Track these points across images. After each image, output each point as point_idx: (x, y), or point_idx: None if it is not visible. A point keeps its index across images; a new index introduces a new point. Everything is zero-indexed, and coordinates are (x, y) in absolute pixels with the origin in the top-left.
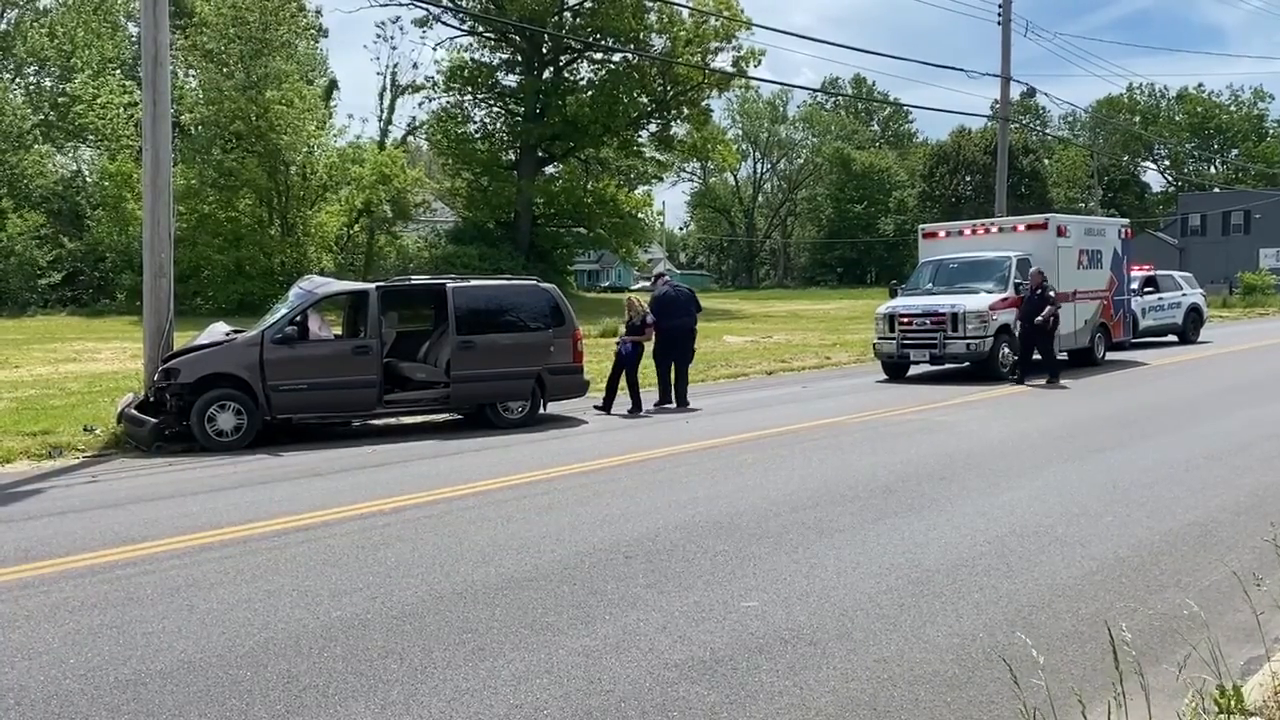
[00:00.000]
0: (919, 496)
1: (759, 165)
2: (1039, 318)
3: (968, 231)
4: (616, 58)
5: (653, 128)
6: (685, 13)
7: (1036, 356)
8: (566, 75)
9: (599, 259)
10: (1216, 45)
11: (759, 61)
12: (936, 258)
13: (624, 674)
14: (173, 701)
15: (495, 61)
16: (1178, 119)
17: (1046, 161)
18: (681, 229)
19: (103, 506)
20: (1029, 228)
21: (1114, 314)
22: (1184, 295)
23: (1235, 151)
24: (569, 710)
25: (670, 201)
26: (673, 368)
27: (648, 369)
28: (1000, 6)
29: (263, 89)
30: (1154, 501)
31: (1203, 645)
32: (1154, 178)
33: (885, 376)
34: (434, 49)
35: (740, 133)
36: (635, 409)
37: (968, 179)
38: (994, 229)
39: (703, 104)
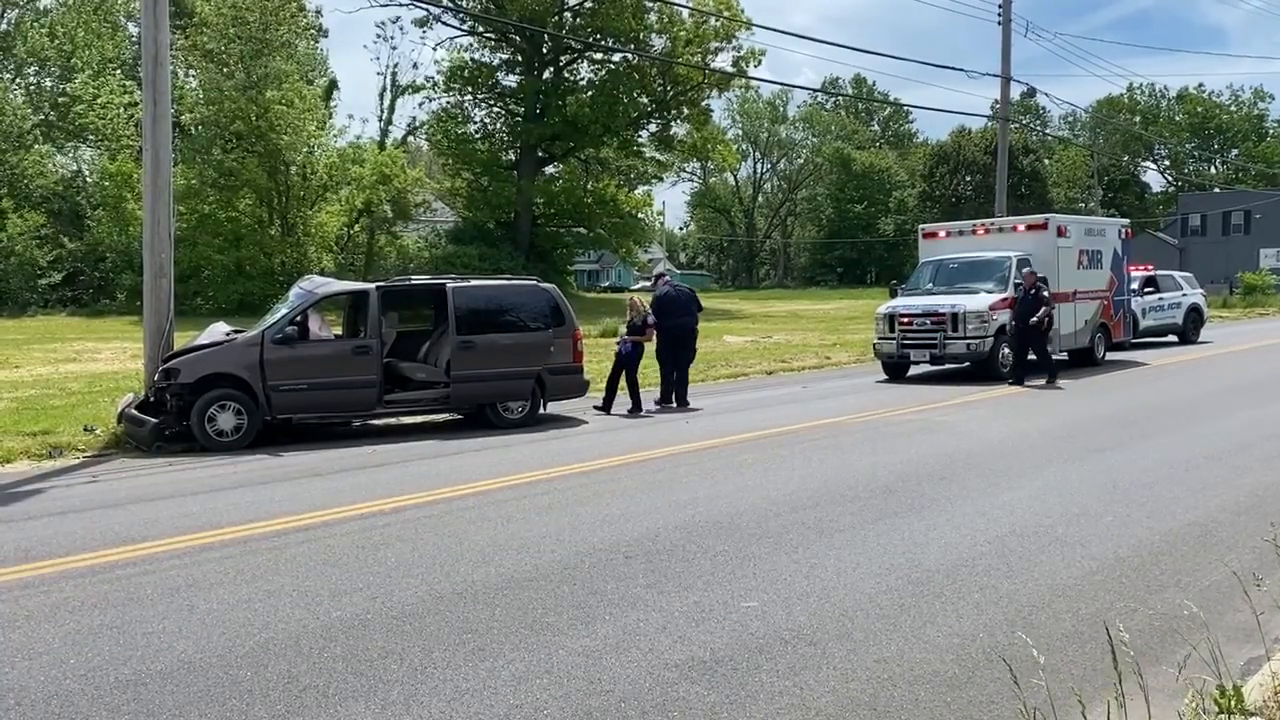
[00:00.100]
0: (919, 496)
1: (759, 165)
2: (1034, 318)
3: (968, 231)
4: (616, 58)
5: (653, 128)
6: (685, 13)
7: (1031, 357)
8: (566, 75)
9: (599, 259)
10: (1217, 45)
11: (759, 62)
12: (936, 258)
13: (624, 674)
14: (173, 702)
15: (495, 61)
16: (1178, 119)
17: (1047, 161)
18: (681, 229)
19: (103, 506)
20: (1029, 228)
21: (1114, 314)
22: (1184, 295)
23: (1235, 151)
24: (569, 710)
25: (670, 201)
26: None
27: (647, 369)
28: (1000, 6)
29: (263, 89)
30: (1154, 501)
31: (1203, 645)
32: (1154, 178)
33: (885, 376)
34: (434, 49)
35: (740, 133)
36: (635, 409)
37: (968, 179)
38: (994, 229)
39: (703, 104)
